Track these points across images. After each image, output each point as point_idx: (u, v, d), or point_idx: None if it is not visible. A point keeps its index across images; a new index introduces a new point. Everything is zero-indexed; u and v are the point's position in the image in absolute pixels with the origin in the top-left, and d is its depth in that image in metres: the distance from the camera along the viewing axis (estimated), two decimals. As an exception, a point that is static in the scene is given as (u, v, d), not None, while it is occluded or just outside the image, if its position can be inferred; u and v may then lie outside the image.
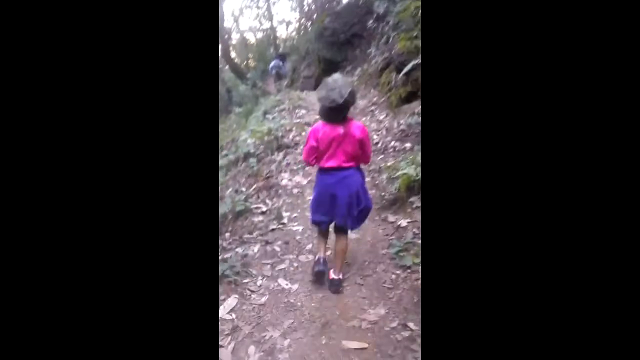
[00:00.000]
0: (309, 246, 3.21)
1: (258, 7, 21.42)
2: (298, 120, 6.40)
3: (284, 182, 4.40)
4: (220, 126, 9.92)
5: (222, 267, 2.73)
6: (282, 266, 2.93)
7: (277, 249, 3.21)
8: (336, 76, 2.32)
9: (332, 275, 2.52)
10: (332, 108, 2.15)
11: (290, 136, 5.71)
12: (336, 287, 2.50)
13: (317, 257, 2.63)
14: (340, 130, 2.23)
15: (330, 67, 11.56)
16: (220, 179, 4.59)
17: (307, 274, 2.76)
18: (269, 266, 2.95)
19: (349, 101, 2.20)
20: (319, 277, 2.59)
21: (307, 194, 4.13)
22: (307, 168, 4.58)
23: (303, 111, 7.02)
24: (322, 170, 2.38)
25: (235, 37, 19.59)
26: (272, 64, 12.29)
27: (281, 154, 5.12)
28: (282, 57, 12.75)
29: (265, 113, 7.95)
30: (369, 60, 8.04)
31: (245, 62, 17.80)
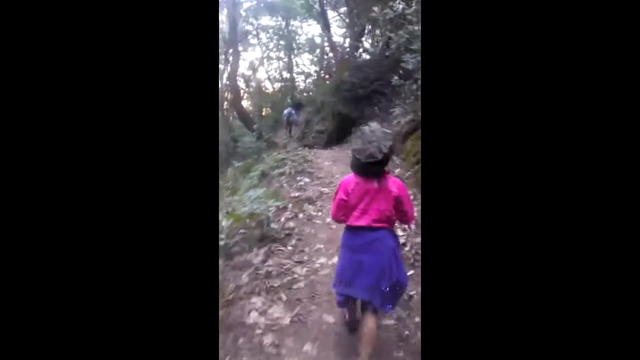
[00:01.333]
0: None
1: (279, 59, 20.84)
2: (297, 194, 4.68)
3: (251, 318, 2.56)
4: (219, 182, 8.34)
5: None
6: None
7: None
8: (374, 126, 1.93)
9: None
10: (369, 163, 1.82)
11: (282, 219, 3.98)
12: None
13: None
14: (375, 184, 1.90)
15: (345, 123, 10.15)
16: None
17: None
18: None
19: (388, 156, 1.87)
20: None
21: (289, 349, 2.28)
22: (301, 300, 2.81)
23: (306, 179, 5.32)
24: (350, 230, 1.98)
25: (251, 86, 18.66)
26: (285, 110, 12.24)
27: (262, 252, 3.35)
28: (297, 106, 12.62)
29: (262, 175, 6.31)
30: (389, 120, 6.48)
31: (259, 110, 16.59)
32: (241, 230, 3.71)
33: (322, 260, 3.14)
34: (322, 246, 3.37)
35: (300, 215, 4.04)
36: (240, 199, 4.32)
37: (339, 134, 10.07)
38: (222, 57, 13.38)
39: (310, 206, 4.33)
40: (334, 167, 6.14)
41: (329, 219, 3.94)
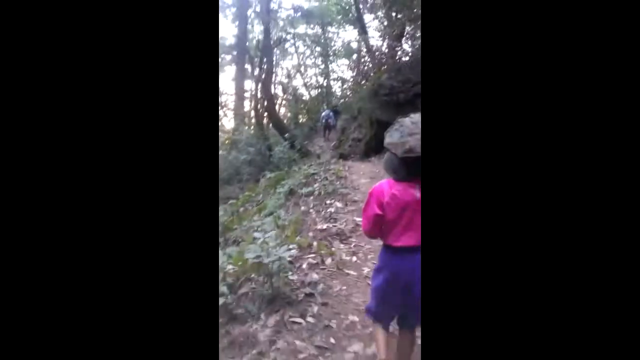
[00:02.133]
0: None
1: (316, 65, 20.04)
2: (324, 227, 3.59)
3: None
4: (247, 193, 7.44)
5: None
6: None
7: None
8: (416, 117, 1.51)
9: None
10: (408, 160, 1.41)
11: (304, 265, 2.92)
12: None
13: None
14: (417, 192, 1.46)
15: (384, 130, 8.99)
16: None
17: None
18: None
19: None
20: None
21: None
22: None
23: (337, 204, 4.23)
24: (391, 251, 1.57)
25: (289, 93, 17.91)
26: (323, 113, 12.11)
27: (271, 323, 2.30)
28: (334, 111, 12.31)
29: (289, 192, 5.29)
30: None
31: (295, 117, 15.73)
32: (251, 285, 2.68)
33: (356, 347, 2.04)
34: (356, 319, 2.27)
35: (328, 261, 2.95)
36: (275, 201, 3.31)
37: (377, 143, 8.88)
38: (251, 65, 12.72)
39: (342, 245, 3.24)
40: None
41: (366, 269, 2.83)
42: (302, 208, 4.44)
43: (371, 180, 5.39)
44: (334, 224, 3.63)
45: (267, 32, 11.39)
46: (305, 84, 19.81)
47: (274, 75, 19.27)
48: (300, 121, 16.75)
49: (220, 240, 4.24)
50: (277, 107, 19.58)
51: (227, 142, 13.04)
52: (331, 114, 12.02)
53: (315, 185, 5.02)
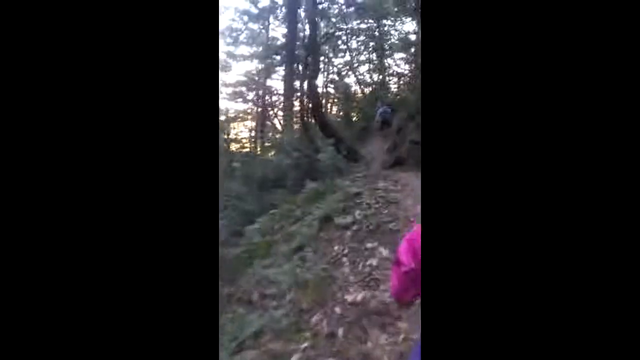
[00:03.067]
0: None
1: (370, 61, 18.55)
2: (357, 300, 2.30)
3: None
4: (286, 206, 6.34)
5: None
6: None
7: None
8: None
9: None
10: None
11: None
12: None
13: None
14: None
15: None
16: None
17: None
18: None
19: None
20: None
21: None
22: None
23: (382, 251, 2.91)
24: None
25: (341, 92, 16.62)
26: (380, 109, 11.32)
27: None
28: (391, 108, 11.18)
29: (325, 218, 4.08)
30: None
31: (346, 117, 14.43)
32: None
33: None
34: None
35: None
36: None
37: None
38: (297, 64, 11.63)
39: (384, 337, 1.95)
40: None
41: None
42: (336, 248, 3.21)
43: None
44: (374, 290, 2.34)
45: (313, 27, 10.21)
46: (358, 81, 18.43)
47: (324, 73, 18.24)
48: (354, 119, 15.43)
49: (229, 290, 3.17)
50: (329, 106, 18.52)
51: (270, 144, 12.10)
52: (388, 109, 11.11)
53: (357, 213, 3.75)
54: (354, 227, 3.45)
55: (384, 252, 2.87)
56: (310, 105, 10.32)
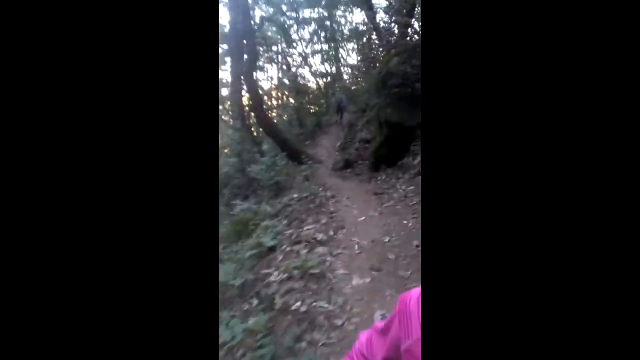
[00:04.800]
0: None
1: (323, 52, 17.44)
2: None
3: None
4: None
5: None
6: None
7: None
8: None
9: None
10: None
11: None
12: None
13: None
14: None
15: (397, 135, 6.51)
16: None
17: None
18: None
19: None
20: None
21: None
22: None
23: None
24: None
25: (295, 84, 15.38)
26: (333, 99, 11.30)
27: None
28: (342, 103, 10.68)
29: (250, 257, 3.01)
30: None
31: (298, 112, 13.26)
32: None
33: None
34: None
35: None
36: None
37: (390, 151, 6.45)
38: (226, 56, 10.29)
39: None
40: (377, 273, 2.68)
41: None
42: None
43: (378, 240, 3.03)
44: None
45: (245, 14, 8.88)
46: (312, 72, 17.32)
47: (278, 64, 16.82)
48: (312, 111, 14.30)
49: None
50: (284, 99, 17.11)
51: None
52: (343, 96, 10.81)
53: (273, 268, 2.74)
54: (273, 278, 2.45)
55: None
56: (250, 101, 9.06)
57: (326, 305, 2.23)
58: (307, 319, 2.13)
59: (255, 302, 2.34)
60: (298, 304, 2.27)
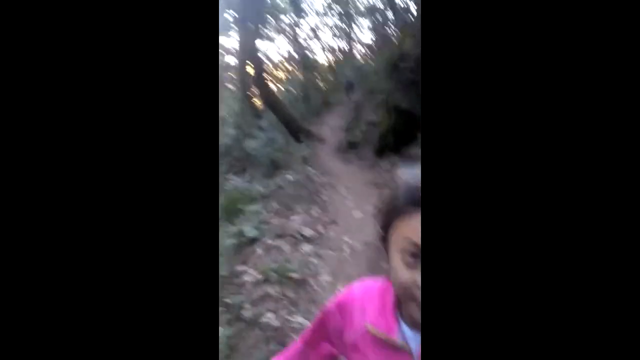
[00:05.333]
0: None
1: (335, 27, 16.58)
2: None
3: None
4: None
5: None
6: None
7: None
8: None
9: None
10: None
11: None
12: None
13: None
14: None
15: (404, 120, 6.04)
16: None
17: None
18: None
19: None
20: None
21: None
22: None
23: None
24: None
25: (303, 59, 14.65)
26: (345, 75, 10.90)
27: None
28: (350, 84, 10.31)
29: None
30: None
31: (304, 88, 12.65)
32: None
33: None
34: None
35: None
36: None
37: (396, 139, 5.99)
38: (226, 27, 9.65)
39: None
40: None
41: None
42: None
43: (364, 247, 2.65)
44: None
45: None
46: (322, 48, 16.56)
47: (289, 37, 15.94)
48: (320, 87, 13.63)
49: None
50: (287, 75, 16.28)
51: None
52: (353, 75, 10.65)
53: (250, 265, 2.38)
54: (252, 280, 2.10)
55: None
56: (252, 74, 8.48)
57: (303, 322, 1.88)
58: (278, 337, 1.79)
59: (220, 309, 2.00)
60: (270, 316, 1.93)
